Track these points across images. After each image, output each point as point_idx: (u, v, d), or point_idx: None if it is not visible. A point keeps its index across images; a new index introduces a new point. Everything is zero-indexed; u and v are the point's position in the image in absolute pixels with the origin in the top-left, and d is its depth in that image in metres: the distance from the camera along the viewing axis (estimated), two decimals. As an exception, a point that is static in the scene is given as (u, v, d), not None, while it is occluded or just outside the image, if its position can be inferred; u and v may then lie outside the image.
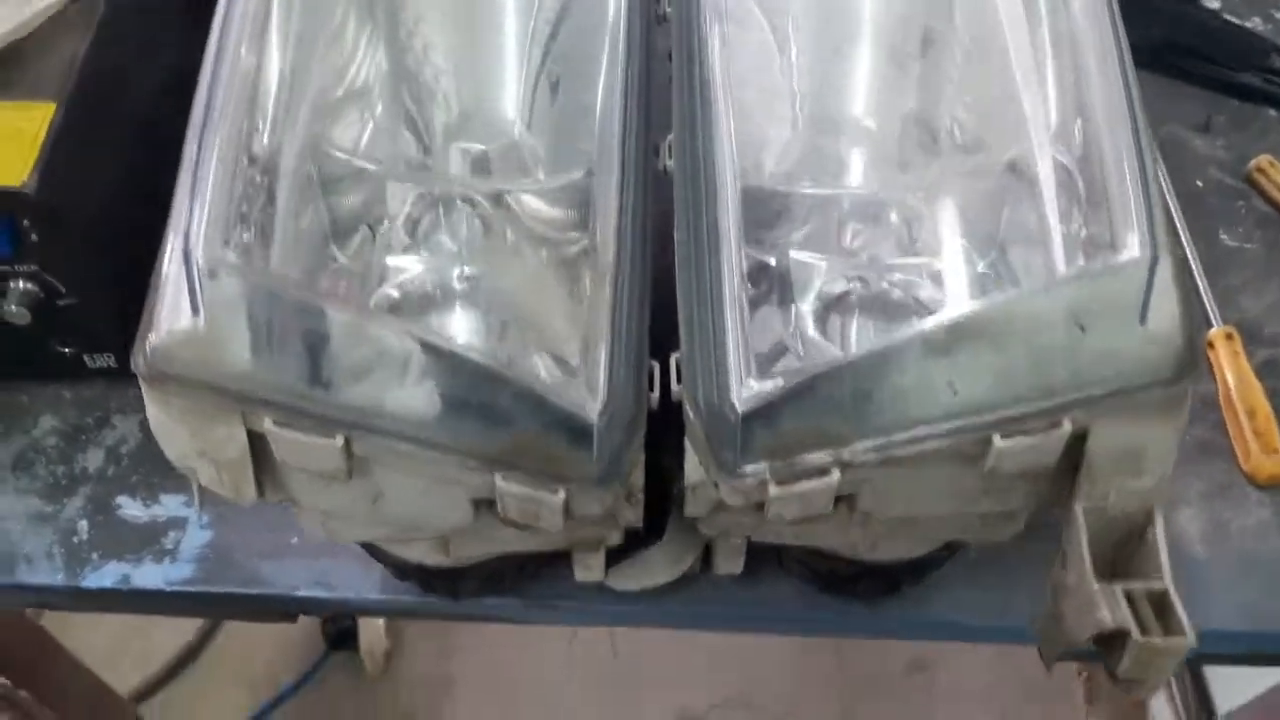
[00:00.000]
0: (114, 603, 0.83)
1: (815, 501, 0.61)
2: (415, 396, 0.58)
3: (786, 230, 0.76)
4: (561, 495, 0.60)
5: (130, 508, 0.84)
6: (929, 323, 0.58)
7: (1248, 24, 1.20)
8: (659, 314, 0.67)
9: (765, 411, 0.60)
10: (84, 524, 0.83)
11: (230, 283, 0.56)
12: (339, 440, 0.58)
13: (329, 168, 0.73)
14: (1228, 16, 1.19)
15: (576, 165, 0.78)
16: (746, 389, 0.60)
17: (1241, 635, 0.80)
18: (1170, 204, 1.04)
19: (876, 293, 0.73)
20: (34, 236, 0.78)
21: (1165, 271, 0.57)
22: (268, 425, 0.57)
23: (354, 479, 0.60)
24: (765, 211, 0.75)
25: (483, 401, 0.58)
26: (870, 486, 0.62)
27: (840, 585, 0.77)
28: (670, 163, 0.75)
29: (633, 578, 0.76)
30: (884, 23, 0.82)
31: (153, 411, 0.59)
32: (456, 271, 0.73)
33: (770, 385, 0.60)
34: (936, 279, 0.73)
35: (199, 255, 0.56)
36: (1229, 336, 0.93)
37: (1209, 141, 1.11)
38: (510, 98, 0.87)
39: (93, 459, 0.87)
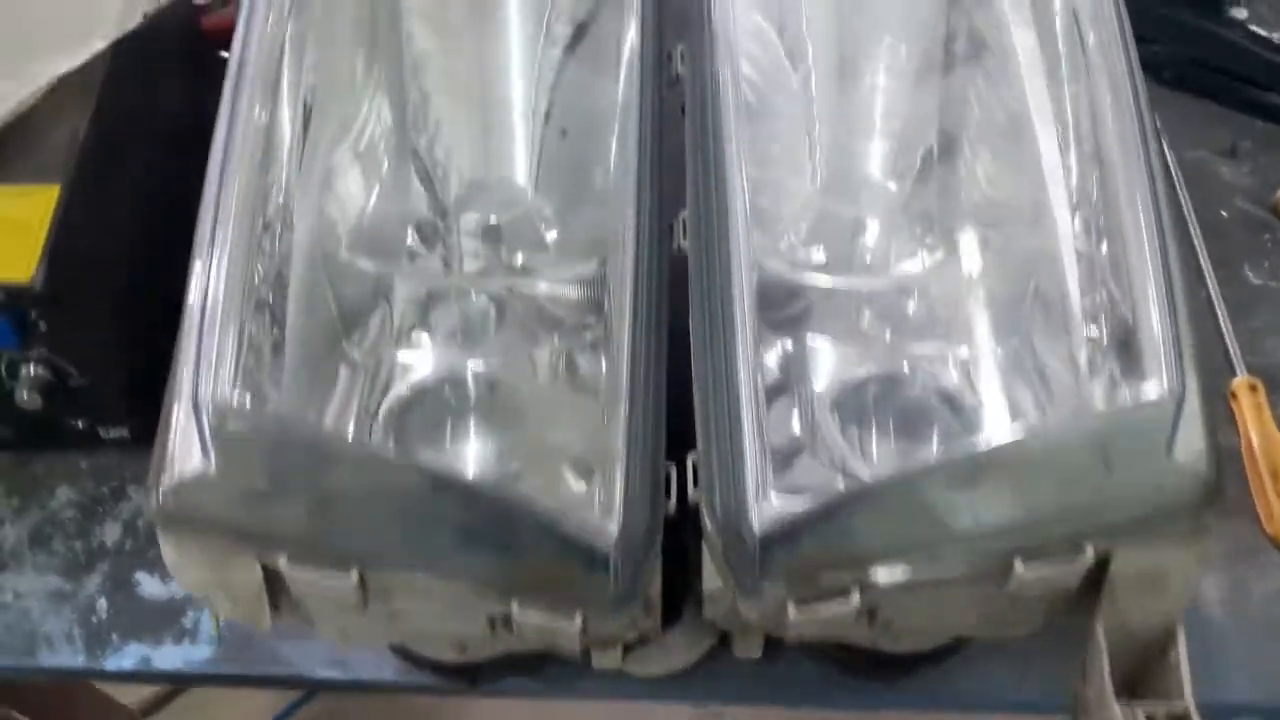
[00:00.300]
0: (135, 680, 0.83)
1: (836, 621, 0.61)
2: (429, 530, 0.57)
3: (804, 313, 0.74)
4: (578, 620, 0.60)
5: (149, 585, 0.84)
6: (953, 455, 0.57)
7: (1275, 35, 1.16)
8: (676, 399, 0.66)
9: (784, 535, 0.59)
10: (103, 602, 0.83)
11: (240, 427, 0.56)
12: (353, 575, 0.58)
13: (338, 266, 0.72)
14: (1254, 28, 1.15)
15: (589, 237, 0.76)
16: (765, 507, 0.59)
17: (1263, 709, 0.80)
18: (1195, 239, 1.02)
19: (896, 380, 0.72)
20: (42, 326, 0.77)
21: (1193, 403, 0.56)
22: (282, 563, 0.57)
23: (370, 604, 0.60)
24: (782, 293, 0.74)
25: (497, 533, 0.58)
26: (892, 602, 0.61)
27: (860, 669, 0.77)
28: (685, 243, 0.73)
29: (651, 662, 0.76)
30: (909, 92, 0.80)
31: (167, 549, 0.59)
32: (470, 365, 0.72)
33: (789, 507, 0.59)
34: (957, 366, 0.72)
35: (209, 401, 0.55)
36: (1253, 388, 0.92)
37: (1235, 168, 1.08)
38: (519, 154, 0.86)
39: (110, 533, 0.87)
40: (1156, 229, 0.62)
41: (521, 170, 0.83)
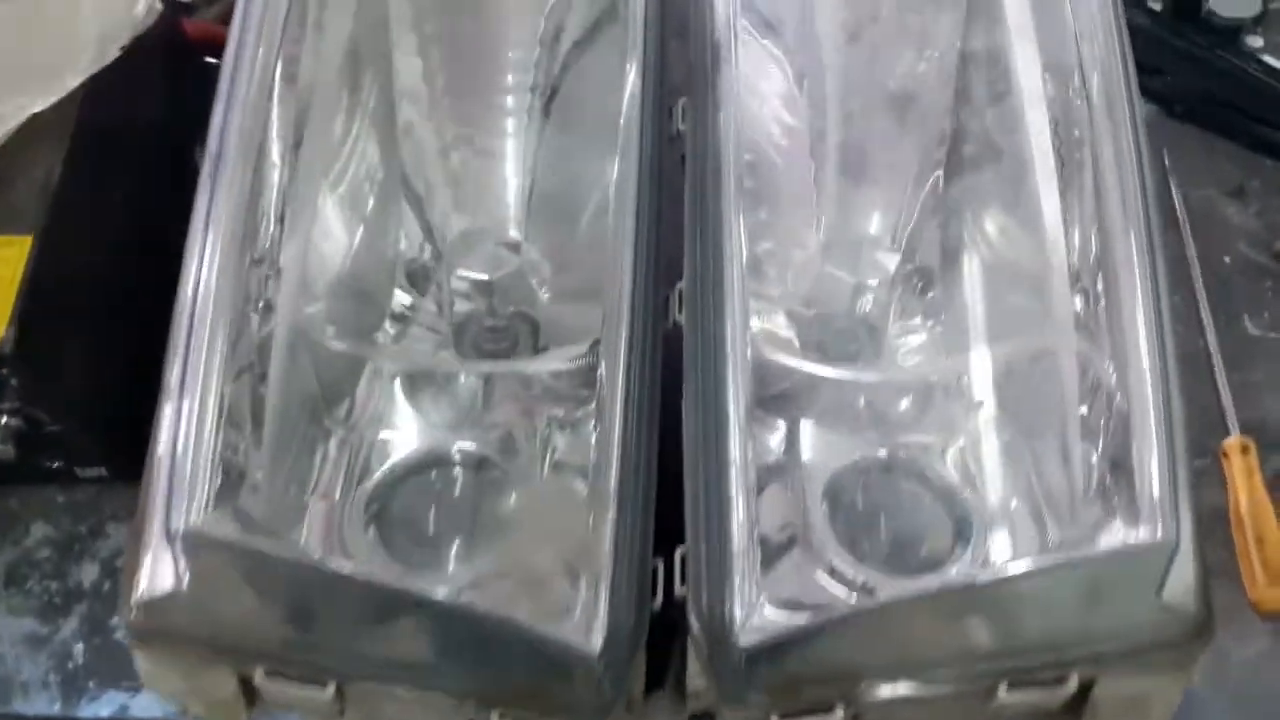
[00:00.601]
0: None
1: (820, 731, 0.60)
2: (407, 647, 0.56)
3: (799, 396, 0.73)
4: (560, 726, 0.60)
5: (126, 629, 0.83)
6: (942, 583, 0.56)
7: (1288, 65, 1.13)
8: (667, 482, 0.65)
9: (771, 650, 0.58)
10: (80, 647, 0.83)
11: (213, 551, 0.54)
12: (330, 688, 0.57)
13: (319, 339, 0.70)
14: (1269, 59, 1.12)
15: (582, 292, 0.75)
16: (753, 620, 0.59)
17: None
18: (1197, 287, 1.00)
19: (889, 471, 0.71)
20: (14, 382, 0.75)
21: (1186, 546, 0.55)
22: (258, 676, 0.56)
23: (348, 712, 0.59)
24: (778, 376, 0.72)
25: (476, 648, 0.57)
26: (877, 715, 0.61)
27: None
28: (681, 317, 0.72)
29: (632, 732, 0.76)
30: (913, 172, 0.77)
31: (140, 662, 0.58)
32: (455, 445, 0.71)
33: (778, 620, 0.59)
34: (953, 459, 0.71)
35: (181, 523, 0.54)
36: (1245, 449, 0.91)
37: (1242, 209, 1.06)
38: (511, 205, 0.84)
39: (87, 573, 0.85)
40: (1159, 352, 0.60)
41: (514, 222, 0.81)
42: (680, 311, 0.72)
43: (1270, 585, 0.85)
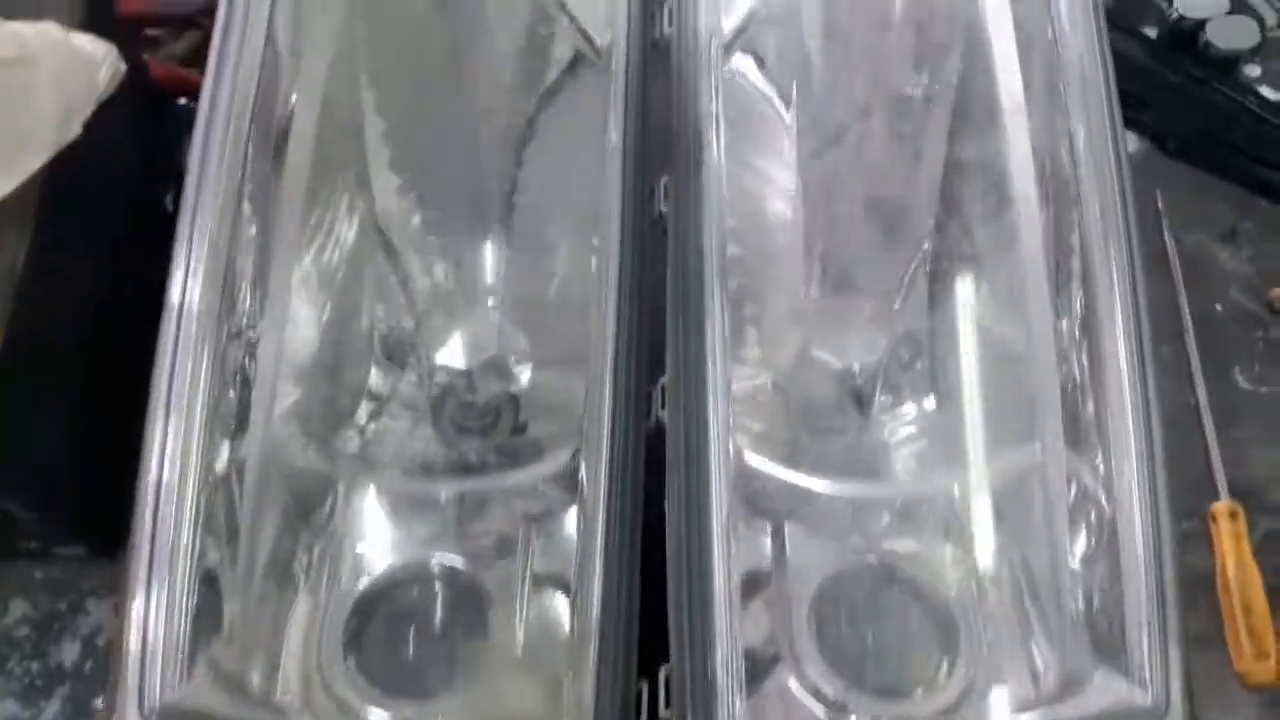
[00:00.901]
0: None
1: None
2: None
3: (787, 499, 0.72)
4: None
5: (109, 712, 0.83)
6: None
7: (1287, 97, 1.11)
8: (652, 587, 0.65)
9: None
10: (63, 731, 0.82)
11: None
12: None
13: (293, 455, 0.68)
14: (1266, 91, 1.10)
15: (563, 361, 0.74)
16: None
17: None
18: (1188, 340, 0.99)
19: (877, 582, 0.70)
20: (-16, 479, 0.73)
21: (1176, 708, 0.54)
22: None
23: None
24: (764, 483, 0.71)
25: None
26: None
27: None
28: (664, 414, 0.70)
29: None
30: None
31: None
32: (434, 559, 0.70)
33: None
34: (941, 567, 0.70)
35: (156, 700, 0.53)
36: (1233, 515, 0.90)
37: (1234, 254, 1.05)
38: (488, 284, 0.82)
39: (68, 652, 0.85)
40: (1150, 483, 0.59)
41: (492, 297, 0.79)
42: (663, 408, 0.70)
43: (1257, 657, 0.85)
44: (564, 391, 0.79)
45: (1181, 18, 1.11)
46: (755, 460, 0.69)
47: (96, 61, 0.79)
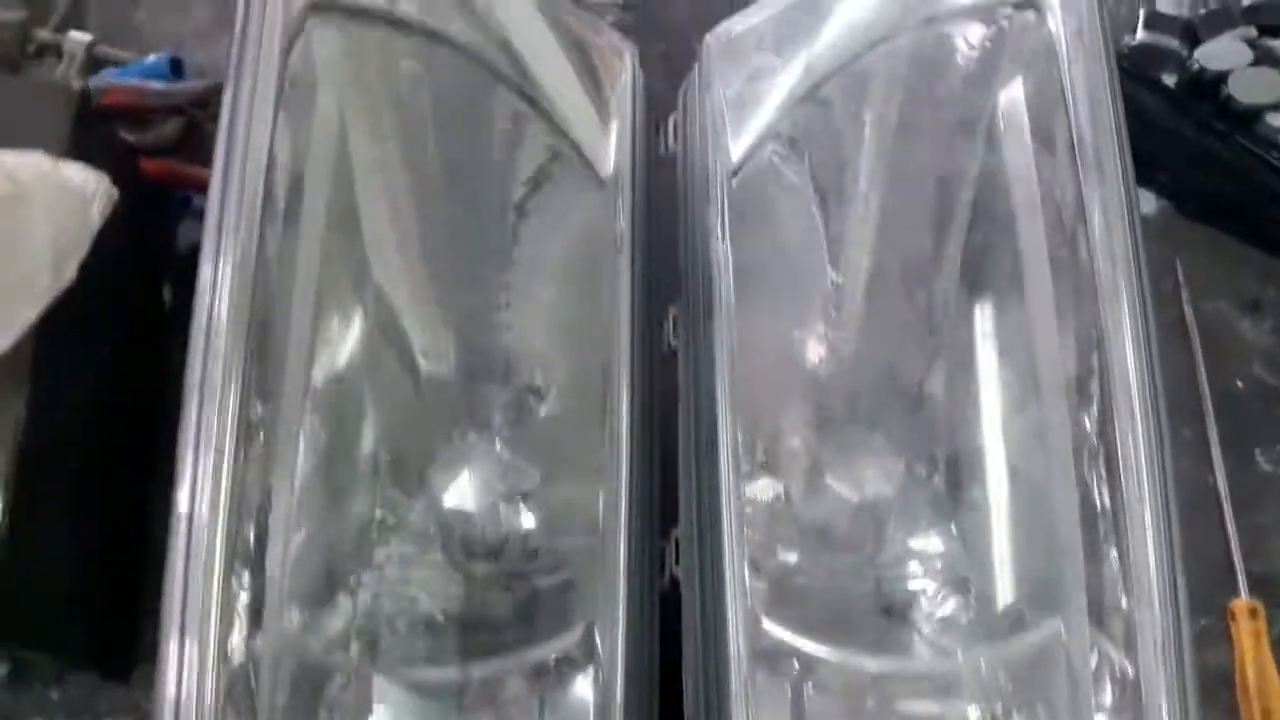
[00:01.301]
0: None
1: None
2: None
3: (801, 676, 0.71)
4: None
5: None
6: None
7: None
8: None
9: None
10: None
11: None
12: None
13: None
14: (1290, 143, 1.06)
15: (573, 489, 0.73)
16: None
17: None
18: (1208, 419, 0.97)
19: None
20: (-2, 638, 0.73)
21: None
22: None
23: None
24: (781, 654, 0.70)
25: None
26: None
27: None
28: (678, 569, 0.70)
29: None
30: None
31: None
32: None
33: None
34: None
35: None
36: (1253, 612, 0.89)
37: (1256, 324, 1.02)
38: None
39: (86, 775, 0.85)
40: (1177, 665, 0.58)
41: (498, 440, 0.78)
42: (677, 563, 0.70)
43: (1277, 761, 0.85)
44: (574, 514, 0.78)
45: (1202, 69, 1.07)
46: (774, 629, 0.68)
47: (88, 196, 0.77)
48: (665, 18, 1.13)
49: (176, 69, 1.00)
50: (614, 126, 0.75)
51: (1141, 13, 1.10)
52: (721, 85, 0.74)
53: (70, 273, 0.75)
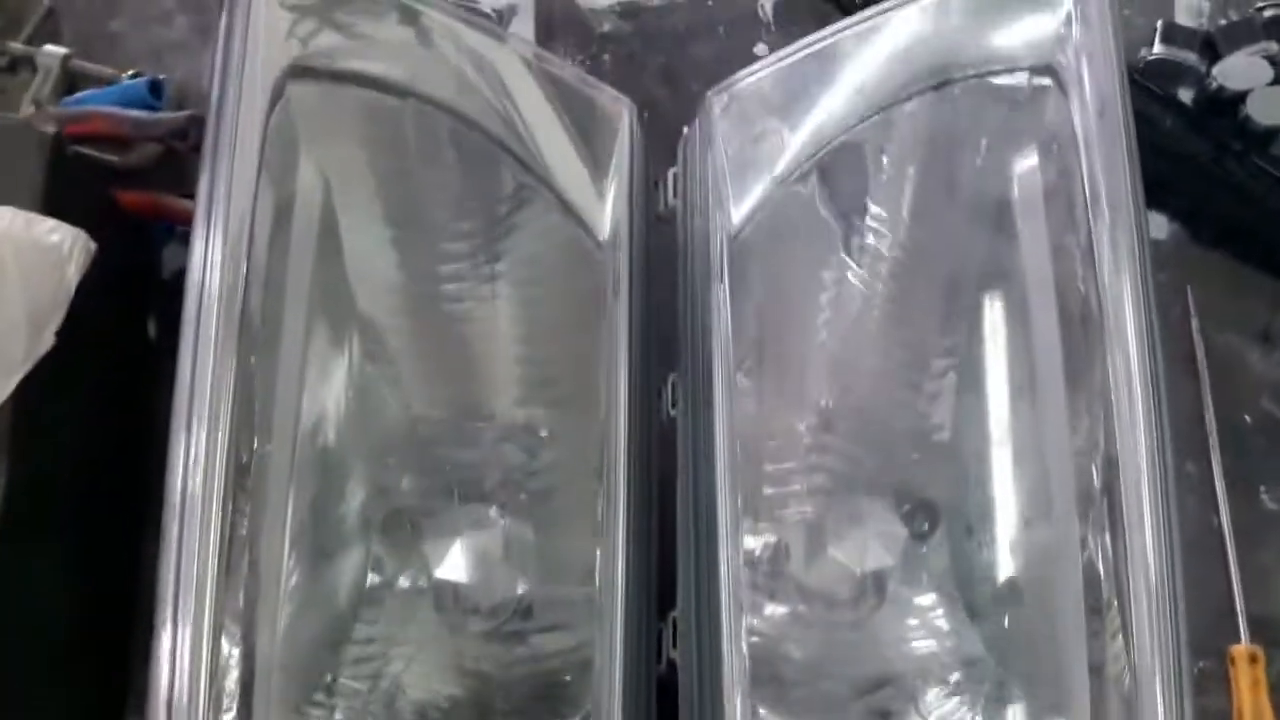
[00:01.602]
0: None
1: None
2: None
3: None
4: None
5: None
6: None
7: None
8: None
9: None
10: None
11: None
12: None
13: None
14: (1308, 165, 1.03)
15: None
16: None
17: None
18: (1213, 456, 0.96)
19: None
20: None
21: None
22: None
23: None
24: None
25: None
26: None
27: None
28: (675, 653, 0.69)
29: None
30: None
31: None
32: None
33: None
34: None
35: None
36: (1253, 659, 0.89)
37: (1266, 355, 1.00)
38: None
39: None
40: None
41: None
42: (674, 647, 0.68)
43: (1271, 811, 0.85)
44: (571, 568, 0.77)
45: (1221, 88, 1.04)
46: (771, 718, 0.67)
47: (65, 254, 0.74)
48: (664, 27, 1.09)
49: (156, 91, 0.96)
50: (611, 187, 0.72)
51: (1159, 24, 1.06)
52: (724, 144, 0.70)
53: (48, 339, 0.73)
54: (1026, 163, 0.67)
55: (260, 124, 0.64)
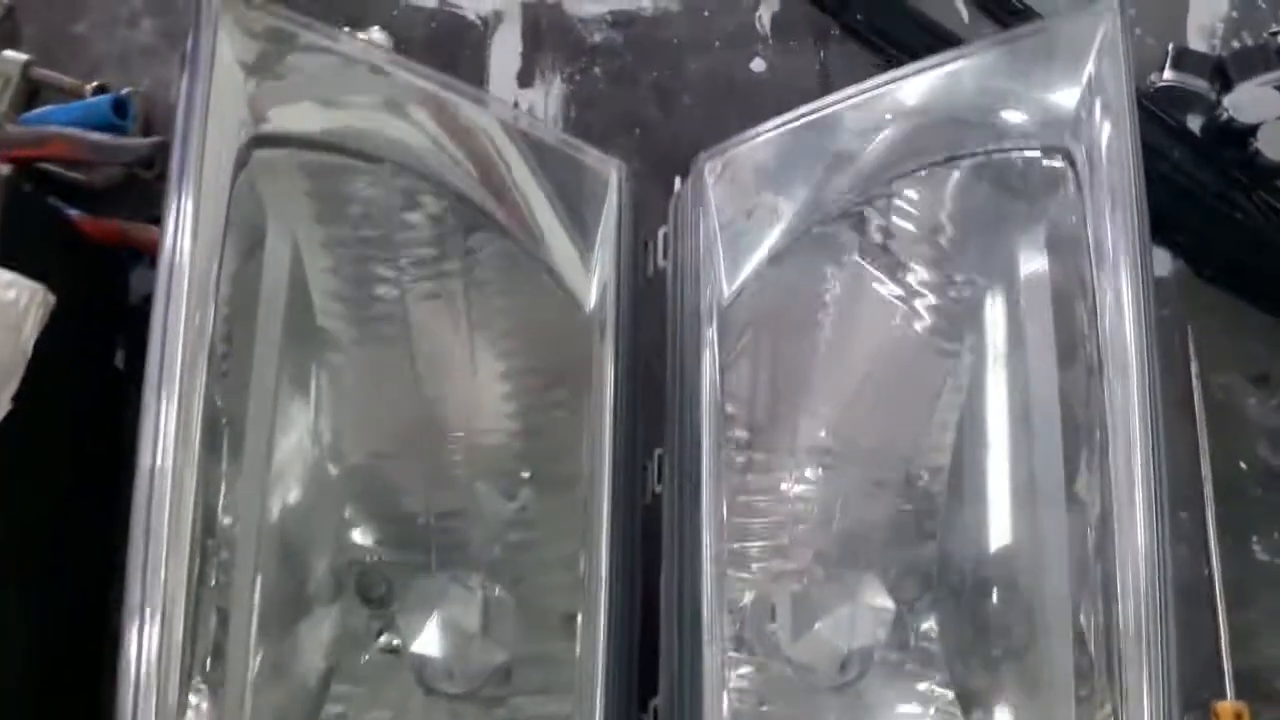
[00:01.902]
0: None
1: None
2: None
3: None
4: None
5: None
6: None
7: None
8: None
9: None
10: None
11: None
12: None
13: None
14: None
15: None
16: None
17: None
18: (1207, 505, 0.94)
19: None
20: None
21: None
22: None
23: None
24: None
25: None
26: None
27: None
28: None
29: None
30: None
31: None
32: None
33: None
34: None
35: None
36: (1238, 716, 0.88)
37: (1264, 400, 0.98)
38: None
39: None
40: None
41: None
42: (657, 727, 0.67)
43: None
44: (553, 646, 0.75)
45: (1231, 120, 1.00)
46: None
47: (21, 311, 0.70)
48: (658, 39, 1.04)
49: (121, 110, 0.91)
50: (598, 254, 0.68)
51: (1170, 49, 1.02)
52: (716, 214, 0.67)
53: (4, 404, 0.69)
54: (1033, 246, 0.64)
55: (225, 190, 0.60)
